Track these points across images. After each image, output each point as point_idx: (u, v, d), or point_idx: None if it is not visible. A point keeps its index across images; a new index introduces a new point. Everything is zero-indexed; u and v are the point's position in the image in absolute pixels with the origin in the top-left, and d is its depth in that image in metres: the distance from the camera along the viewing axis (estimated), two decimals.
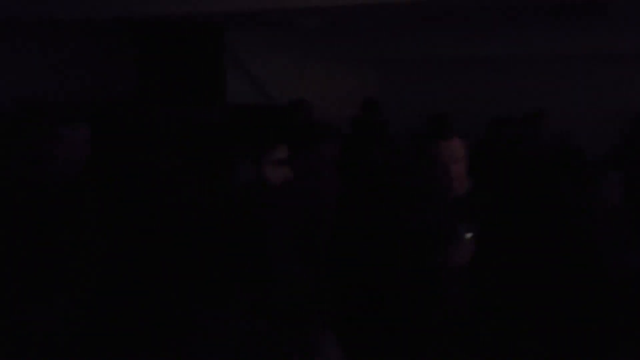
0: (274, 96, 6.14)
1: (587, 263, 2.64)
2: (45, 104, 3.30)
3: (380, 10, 4.75)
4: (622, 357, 2.51)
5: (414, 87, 7.60)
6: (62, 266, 2.37)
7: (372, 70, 7.83)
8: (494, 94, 7.06)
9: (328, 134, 3.22)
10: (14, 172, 2.52)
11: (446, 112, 5.69)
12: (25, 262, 2.31)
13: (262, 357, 1.39)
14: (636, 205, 3.00)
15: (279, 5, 4.22)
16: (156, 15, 4.52)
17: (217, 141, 5.13)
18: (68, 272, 2.39)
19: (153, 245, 2.87)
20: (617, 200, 2.82)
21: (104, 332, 2.41)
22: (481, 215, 2.48)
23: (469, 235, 2.31)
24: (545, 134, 4.97)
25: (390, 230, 2.59)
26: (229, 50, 5.71)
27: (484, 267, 2.35)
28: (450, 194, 2.47)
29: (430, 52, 6.83)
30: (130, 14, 4.34)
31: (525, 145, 4.69)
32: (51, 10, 4.18)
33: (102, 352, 2.34)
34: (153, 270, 2.73)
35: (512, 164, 4.41)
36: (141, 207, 3.11)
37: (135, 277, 2.62)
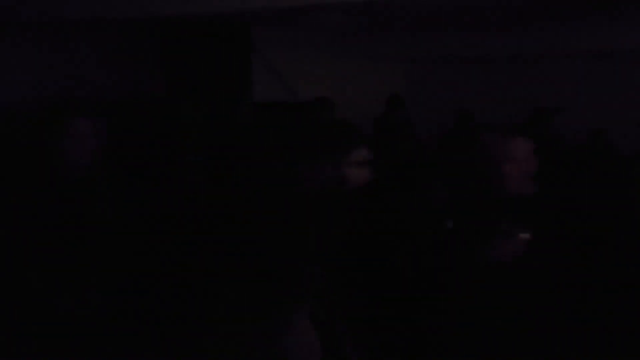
0: (300, 94, 6.16)
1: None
2: (59, 100, 3.35)
3: (408, 6, 4.74)
4: None
5: (441, 86, 7.53)
6: (85, 258, 2.41)
7: (399, 68, 7.79)
8: (525, 92, 6.96)
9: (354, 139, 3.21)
10: (26, 168, 2.58)
11: (470, 109, 5.65)
12: (46, 256, 2.35)
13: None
14: None
15: (306, 2, 4.23)
16: (184, 15, 4.57)
17: (243, 138, 5.17)
18: (95, 265, 2.44)
19: (170, 241, 2.88)
20: None
21: (131, 324, 2.42)
22: (538, 218, 2.37)
23: (520, 234, 2.24)
24: (570, 133, 4.88)
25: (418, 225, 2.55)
26: (256, 48, 5.75)
27: (537, 268, 2.27)
28: (503, 193, 2.36)
29: (458, 50, 6.76)
30: (158, 14, 4.39)
31: (554, 145, 4.61)
32: (81, 10, 4.25)
33: (130, 343, 2.37)
34: (168, 266, 2.74)
35: (548, 163, 4.30)
36: (163, 203, 3.15)
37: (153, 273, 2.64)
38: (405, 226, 2.69)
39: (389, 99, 5.49)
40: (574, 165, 4.29)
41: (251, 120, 5.38)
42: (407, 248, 2.56)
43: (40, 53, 4.80)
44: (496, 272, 2.27)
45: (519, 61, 7.22)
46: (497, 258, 2.26)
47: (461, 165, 2.63)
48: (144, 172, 3.33)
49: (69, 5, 4.19)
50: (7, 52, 4.60)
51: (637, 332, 2.40)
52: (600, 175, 3.92)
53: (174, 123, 4.41)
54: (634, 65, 6.69)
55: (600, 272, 2.50)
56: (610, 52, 6.55)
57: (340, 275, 2.16)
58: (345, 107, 5.72)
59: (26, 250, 2.35)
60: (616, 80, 6.69)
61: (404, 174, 3.65)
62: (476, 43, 6.50)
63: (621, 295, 2.45)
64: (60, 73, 4.87)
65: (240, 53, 5.54)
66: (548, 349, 2.22)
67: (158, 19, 4.91)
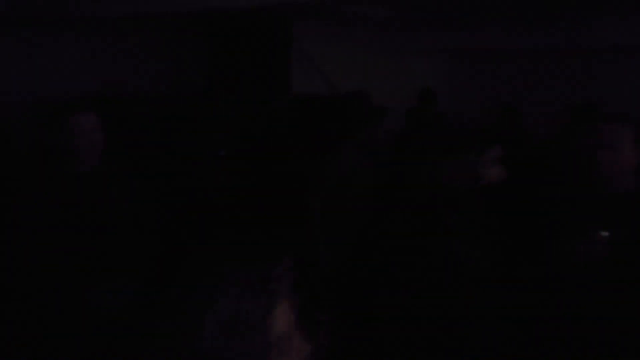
0: (339, 88, 6.15)
1: None
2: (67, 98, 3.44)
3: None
4: None
5: (484, 79, 7.40)
6: (108, 251, 2.45)
7: (441, 61, 7.69)
8: (572, 86, 6.76)
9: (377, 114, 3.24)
10: (37, 165, 2.71)
11: (515, 103, 5.53)
12: (57, 251, 2.39)
13: None
14: None
15: None
16: (225, 9, 4.62)
17: (282, 131, 5.21)
18: (121, 258, 2.48)
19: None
20: None
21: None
22: (628, 216, 2.14)
23: (603, 234, 2.09)
24: None
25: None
26: (296, 43, 5.77)
27: (622, 268, 2.09)
28: (598, 184, 2.17)
29: (501, 43, 6.63)
30: (200, 9, 4.45)
31: None
32: (125, 6, 4.34)
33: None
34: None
35: None
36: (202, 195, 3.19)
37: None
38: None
39: (420, 93, 5.44)
40: None
41: (289, 113, 5.40)
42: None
43: (85, 49, 4.95)
44: (578, 271, 2.13)
45: (565, 54, 7.02)
46: (578, 257, 2.12)
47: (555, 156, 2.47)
48: (175, 165, 3.38)
49: (114, 1, 4.30)
50: (54, 48, 4.78)
51: None
52: None
53: (211, 117, 4.47)
54: None
55: None
56: None
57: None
58: (385, 100, 5.69)
59: (37, 247, 2.39)
60: None
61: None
62: (520, 35, 6.36)
63: None
64: (105, 68, 5.01)
65: (280, 47, 5.58)
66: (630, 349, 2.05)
67: (200, 13, 4.98)
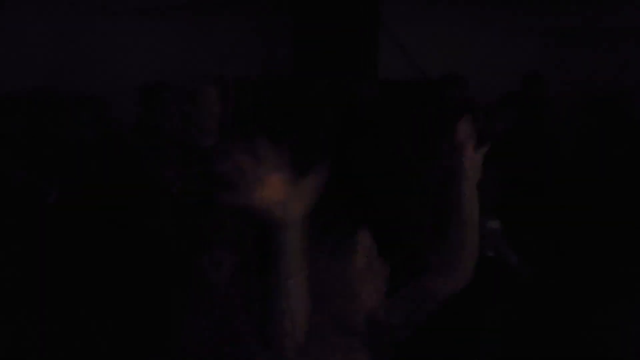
0: (430, 71, 5.93)
1: None
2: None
3: None
4: None
5: (585, 61, 6.86)
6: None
7: (538, 42, 7.23)
8: None
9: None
10: (163, 132, 2.76)
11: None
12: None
13: None
14: None
15: None
16: None
17: (368, 116, 5.07)
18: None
19: None
20: None
21: None
22: None
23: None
24: None
25: None
26: (384, 24, 5.62)
27: None
28: None
29: (604, 19, 6.14)
30: None
31: None
32: None
33: None
34: None
35: None
36: None
37: None
38: None
39: (524, 76, 5.09)
40: None
41: (378, 98, 5.25)
42: None
43: (174, 32, 5.00)
44: None
45: None
46: None
47: None
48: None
49: None
50: (144, 34, 4.84)
51: None
52: None
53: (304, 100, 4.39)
54: None
55: None
56: None
57: None
58: (479, 84, 5.42)
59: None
60: None
61: None
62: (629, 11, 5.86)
63: None
64: (194, 51, 5.05)
65: (367, 29, 5.45)
66: None
67: None
